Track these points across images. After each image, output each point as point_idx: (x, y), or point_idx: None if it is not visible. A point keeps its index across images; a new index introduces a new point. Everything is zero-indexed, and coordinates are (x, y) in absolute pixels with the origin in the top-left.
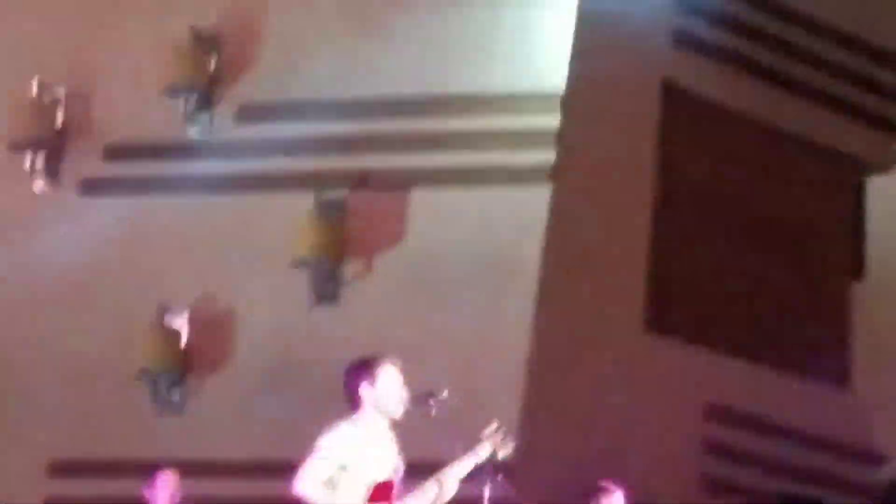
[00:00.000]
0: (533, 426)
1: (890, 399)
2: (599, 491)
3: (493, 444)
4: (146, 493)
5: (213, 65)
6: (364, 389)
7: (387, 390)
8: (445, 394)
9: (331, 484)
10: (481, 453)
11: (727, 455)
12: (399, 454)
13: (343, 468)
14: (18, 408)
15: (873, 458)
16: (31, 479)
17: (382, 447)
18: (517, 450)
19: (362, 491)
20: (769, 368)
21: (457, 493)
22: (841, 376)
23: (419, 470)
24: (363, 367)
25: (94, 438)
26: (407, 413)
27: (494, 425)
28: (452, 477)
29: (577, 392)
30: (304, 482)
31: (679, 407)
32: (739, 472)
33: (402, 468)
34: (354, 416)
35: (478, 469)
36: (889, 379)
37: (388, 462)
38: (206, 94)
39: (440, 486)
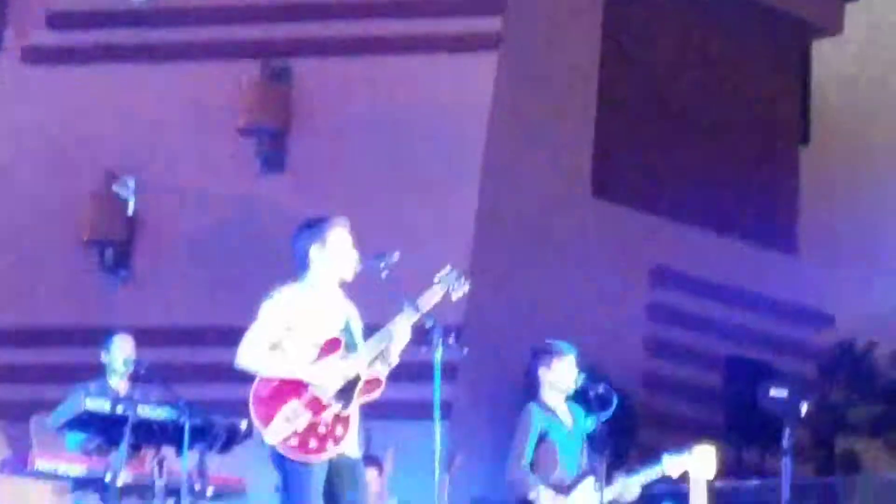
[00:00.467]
0: (482, 290)
1: (837, 262)
2: (551, 353)
3: (446, 285)
4: (103, 360)
5: None
6: (314, 250)
7: (337, 251)
8: (396, 256)
9: (278, 346)
10: (435, 296)
11: (674, 319)
12: (352, 308)
13: (289, 330)
14: None
15: (820, 320)
16: None
17: (329, 307)
18: (466, 313)
19: (311, 350)
20: (717, 234)
21: (408, 358)
22: (789, 240)
23: (370, 331)
24: (313, 228)
25: (42, 307)
26: (357, 275)
27: (448, 268)
28: (403, 323)
29: (526, 257)
30: (245, 352)
31: (626, 271)
32: (686, 336)
33: (358, 321)
34: (300, 278)
35: (429, 332)
36: (836, 242)
37: (335, 321)
38: None
39: (391, 336)
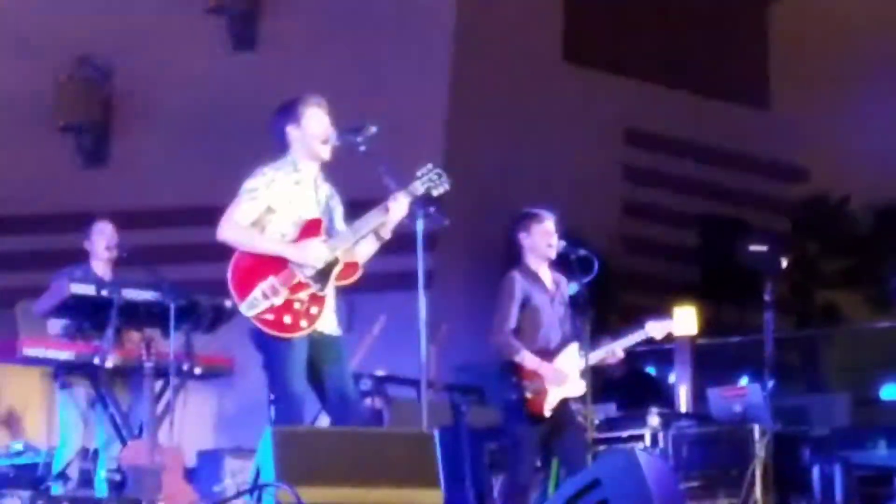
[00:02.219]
0: (458, 158)
1: (808, 115)
2: (530, 218)
3: (427, 182)
4: (85, 243)
5: None
6: (290, 130)
7: (313, 130)
8: (373, 129)
9: (258, 225)
10: (416, 191)
11: (648, 179)
12: (332, 190)
13: (270, 210)
14: None
15: (793, 174)
16: None
17: (309, 187)
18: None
19: (291, 230)
20: (688, 93)
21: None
22: (760, 96)
23: (354, 208)
24: (288, 109)
25: (22, 195)
26: (336, 151)
27: (430, 166)
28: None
29: (498, 124)
30: (227, 226)
31: (598, 134)
32: (660, 195)
33: (338, 204)
34: (280, 158)
35: (410, 204)
36: (806, 95)
37: (315, 202)
38: None
39: (385, 211)
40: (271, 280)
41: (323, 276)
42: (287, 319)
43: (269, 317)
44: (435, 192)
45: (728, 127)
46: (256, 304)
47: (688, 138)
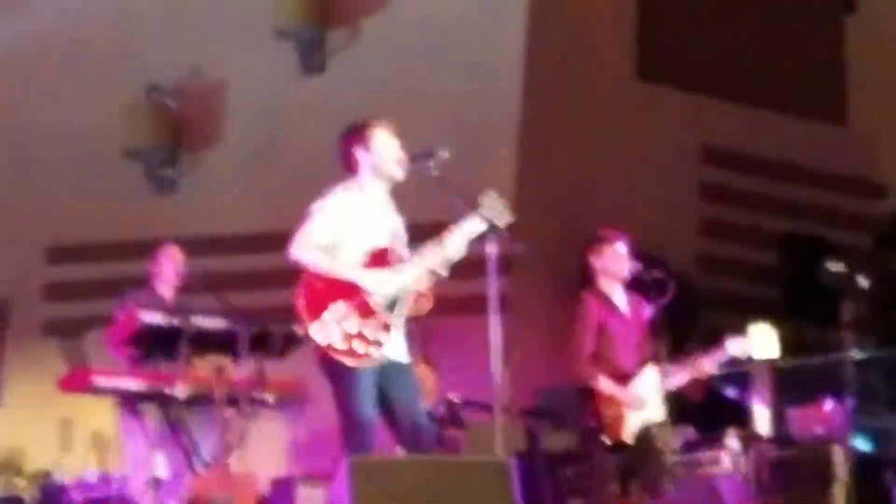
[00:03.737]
0: (529, 179)
1: (886, 130)
2: (601, 240)
3: (491, 209)
4: (152, 270)
5: None
6: (359, 154)
7: (382, 152)
8: (445, 152)
9: (329, 250)
10: (481, 219)
11: (725, 197)
12: (399, 219)
13: (340, 233)
14: (10, 194)
15: (873, 191)
16: (29, 266)
17: (379, 212)
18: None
19: (359, 257)
20: (764, 109)
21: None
22: (836, 112)
23: (424, 231)
24: (356, 132)
25: (89, 221)
26: (407, 174)
27: (492, 194)
28: (455, 237)
29: (572, 144)
30: (300, 245)
31: (674, 152)
32: (739, 214)
33: (403, 233)
34: (350, 182)
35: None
36: (884, 110)
37: (384, 227)
38: None
39: (442, 247)
40: (341, 304)
41: (393, 304)
42: (358, 347)
43: (341, 345)
44: (498, 223)
45: (806, 143)
46: (325, 328)
47: (765, 155)
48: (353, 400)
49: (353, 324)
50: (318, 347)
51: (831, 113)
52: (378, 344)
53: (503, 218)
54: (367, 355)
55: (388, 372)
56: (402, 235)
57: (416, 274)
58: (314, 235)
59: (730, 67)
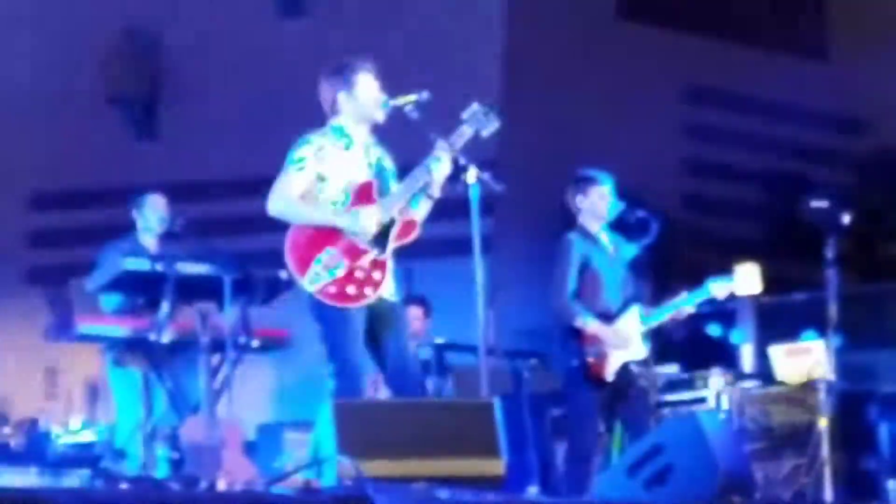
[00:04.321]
0: (514, 122)
1: (868, 66)
2: (585, 180)
3: (475, 123)
4: (133, 216)
5: None
6: (342, 96)
7: (365, 95)
8: (425, 95)
9: (310, 195)
10: (464, 136)
11: (708, 136)
12: (385, 154)
13: (320, 178)
14: None
15: (857, 127)
16: (13, 214)
17: (358, 151)
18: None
19: (343, 196)
20: (745, 46)
21: (445, 195)
22: (818, 48)
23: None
24: (339, 74)
25: (72, 168)
26: (389, 117)
27: (475, 105)
28: (441, 157)
29: (554, 85)
30: (277, 199)
31: (656, 91)
32: (722, 152)
33: (391, 166)
34: (328, 125)
35: (463, 168)
36: (866, 46)
37: (364, 164)
38: None
39: (427, 170)
40: (329, 251)
41: (381, 239)
42: (351, 290)
43: (333, 289)
44: (485, 132)
45: (788, 80)
46: (318, 278)
47: (747, 93)
48: (342, 345)
49: (343, 267)
50: (310, 296)
51: (813, 49)
52: (373, 282)
53: (491, 125)
54: (361, 296)
55: (378, 311)
56: (390, 168)
57: (400, 203)
58: (291, 186)
59: (710, 5)
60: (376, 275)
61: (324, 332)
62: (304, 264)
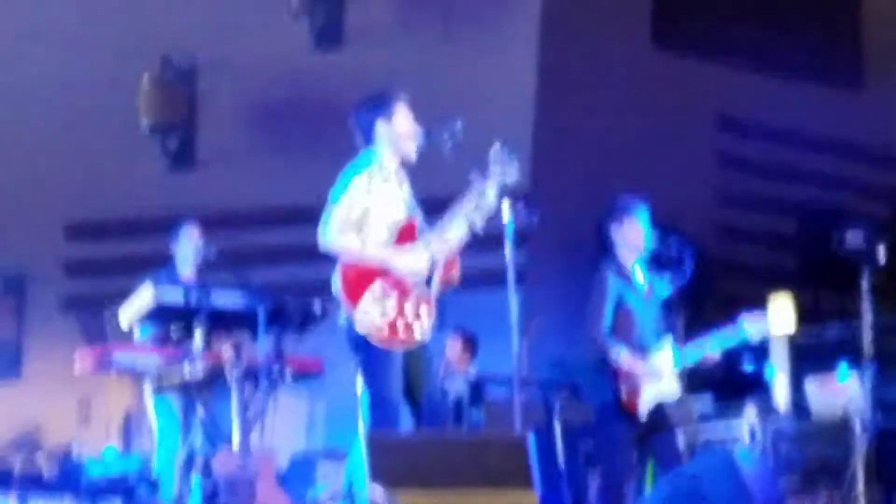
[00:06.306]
0: (547, 150)
1: None
2: (620, 211)
3: (499, 165)
4: (171, 247)
5: None
6: (380, 125)
7: (403, 128)
8: (459, 124)
9: (356, 229)
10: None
11: (742, 167)
12: (409, 190)
13: (366, 213)
14: (29, 170)
15: (891, 158)
16: (48, 242)
17: (395, 186)
18: (532, 176)
19: (386, 233)
20: (780, 76)
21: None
22: (854, 78)
23: (437, 206)
24: (378, 103)
25: (107, 197)
26: (421, 149)
27: (497, 146)
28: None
29: (588, 112)
30: (330, 234)
31: (691, 121)
32: (755, 182)
33: (416, 204)
34: (364, 159)
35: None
36: None
37: (402, 200)
38: None
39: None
40: (379, 284)
41: (427, 278)
42: (400, 328)
43: (385, 331)
44: (507, 180)
45: (823, 111)
46: (368, 310)
47: (782, 124)
48: (383, 379)
49: (393, 303)
50: (354, 330)
51: (849, 80)
52: (419, 320)
53: (512, 174)
54: (410, 338)
55: (412, 353)
56: (416, 205)
57: (443, 245)
58: (343, 221)
59: (744, 35)
60: (423, 311)
61: (364, 364)
62: (355, 297)
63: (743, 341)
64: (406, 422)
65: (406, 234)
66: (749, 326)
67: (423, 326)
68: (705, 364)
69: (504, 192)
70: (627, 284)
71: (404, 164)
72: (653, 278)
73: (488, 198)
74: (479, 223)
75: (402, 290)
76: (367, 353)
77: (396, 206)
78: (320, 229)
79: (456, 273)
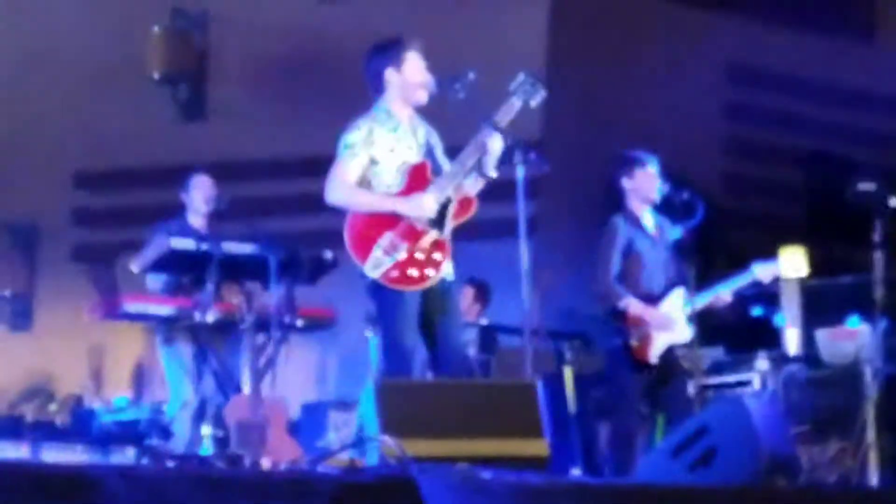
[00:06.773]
0: (558, 104)
1: None
2: (632, 162)
3: (522, 95)
4: (182, 197)
5: None
6: (389, 73)
7: (414, 75)
8: (472, 75)
9: (364, 180)
10: (513, 108)
11: (752, 117)
12: (432, 131)
13: (373, 162)
14: (37, 119)
15: None
16: (58, 192)
17: (406, 131)
18: (544, 126)
19: (397, 178)
20: (790, 26)
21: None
22: (865, 26)
23: (455, 153)
24: (389, 51)
25: (117, 146)
26: (433, 98)
27: (521, 76)
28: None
29: (600, 66)
30: (334, 188)
31: (700, 72)
32: (766, 132)
33: (438, 143)
34: (374, 108)
35: (509, 149)
36: None
37: (414, 144)
38: None
39: (485, 147)
40: (389, 236)
41: (439, 219)
42: (413, 272)
43: (395, 273)
44: (533, 103)
45: (833, 60)
46: (379, 263)
47: (791, 73)
48: (397, 325)
49: (404, 251)
50: (370, 280)
51: (860, 28)
52: (433, 263)
53: (539, 94)
54: (423, 278)
55: (434, 293)
56: (438, 144)
57: (455, 181)
58: (346, 174)
59: None
60: (437, 255)
61: (378, 311)
62: (365, 250)
63: (754, 283)
64: (422, 367)
65: (416, 177)
66: (760, 271)
67: (437, 269)
68: (716, 305)
69: (516, 144)
70: (637, 230)
71: (418, 111)
72: (663, 223)
73: (496, 144)
74: (491, 171)
75: (413, 237)
76: (380, 297)
77: (407, 150)
78: (325, 185)
79: (471, 211)
